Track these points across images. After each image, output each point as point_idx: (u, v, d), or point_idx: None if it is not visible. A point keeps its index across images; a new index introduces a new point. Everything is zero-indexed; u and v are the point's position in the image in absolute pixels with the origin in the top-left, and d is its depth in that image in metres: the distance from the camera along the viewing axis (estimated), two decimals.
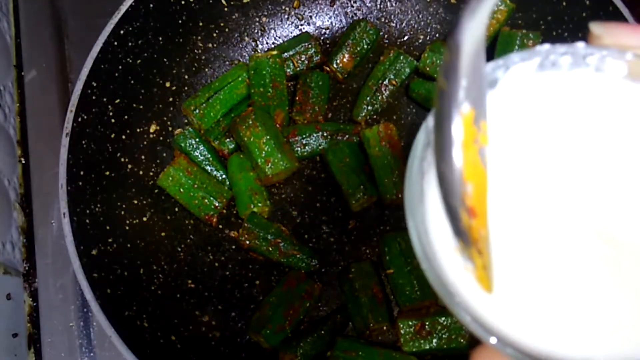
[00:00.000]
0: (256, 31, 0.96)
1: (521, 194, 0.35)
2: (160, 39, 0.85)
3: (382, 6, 0.97)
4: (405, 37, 0.97)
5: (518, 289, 0.34)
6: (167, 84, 0.89)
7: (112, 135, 0.81)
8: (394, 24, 0.97)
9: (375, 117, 0.93)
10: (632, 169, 0.35)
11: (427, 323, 0.79)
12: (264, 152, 0.85)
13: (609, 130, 0.36)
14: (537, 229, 0.35)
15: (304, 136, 0.90)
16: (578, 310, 0.34)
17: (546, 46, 0.36)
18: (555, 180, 0.35)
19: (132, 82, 0.83)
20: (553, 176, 0.35)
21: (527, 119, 0.36)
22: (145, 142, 0.86)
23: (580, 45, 0.35)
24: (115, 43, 0.79)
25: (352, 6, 0.97)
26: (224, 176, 0.89)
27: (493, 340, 0.32)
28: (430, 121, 0.35)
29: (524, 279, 0.34)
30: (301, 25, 0.97)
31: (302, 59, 0.93)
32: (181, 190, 0.85)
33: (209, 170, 0.89)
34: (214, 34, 0.92)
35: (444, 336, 0.79)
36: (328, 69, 0.95)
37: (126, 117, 0.83)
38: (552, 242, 0.35)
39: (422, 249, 0.34)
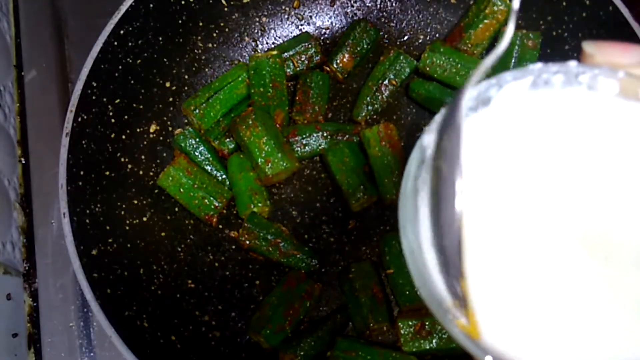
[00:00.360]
0: (256, 31, 0.96)
1: (514, 210, 0.35)
2: (160, 39, 0.85)
3: (382, 6, 0.97)
4: (405, 37, 0.97)
5: (511, 306, 0.34)
6: (167, 84, 0.89)
7: (112, 135, 0.81)
8: (394, 24, 0.97)
9: (375, 117, 0.93)
10: (624, 185, 0.36)
11: (427, 323, 0.79)
12: (264, 152, 0.85)
13: (602, 148, 0.36)
14: (530, 246, 0.35)
15: (304, 136, 0.90)
16: (571, 324, 0.34)
17: (538, 65, 0.36)
18: (548, 197, 0.36)
19: (132, 82, 0.83)
20: (546, 193, 0.36)
21: (520, 137, 0.37)
22: (145, 142, 0.86)
23: (572, 64, 0.36)
24: (115, 43, 0.79)
25: (352, 6, 0.97)
26: (224, 176, 0.89)
27: (488, 358, 0.33)
28: (425, 140, 0.36)
29: (517, 296, 0.34)
30: (301, 25, 0.97)
31: (302, 59, 0.93)
32: (181, 190, 0.85)
33: (209, 170, 0.89)
34: (214, 34, 0.92)
35: (444, 336, 0.78)
36: (328, 69, 0.94)
37: (126, 117, 0.83)
38: (545, 258, 0.35)
39: (415, 267, 0.35)
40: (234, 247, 0.88)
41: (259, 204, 0.87)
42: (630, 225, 0.35)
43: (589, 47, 0.37)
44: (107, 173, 0.80)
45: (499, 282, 0.35)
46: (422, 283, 0.34)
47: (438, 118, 0.36)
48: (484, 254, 0.35)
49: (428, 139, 0.36)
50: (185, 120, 0.91)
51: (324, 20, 0.98)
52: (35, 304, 0.90)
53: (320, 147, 0.90)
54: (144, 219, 0.84)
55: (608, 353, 0.33)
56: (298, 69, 0.94)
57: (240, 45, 0.95)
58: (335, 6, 0.97)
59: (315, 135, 0.90)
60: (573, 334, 0.34)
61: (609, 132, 0.36)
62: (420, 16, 0.96)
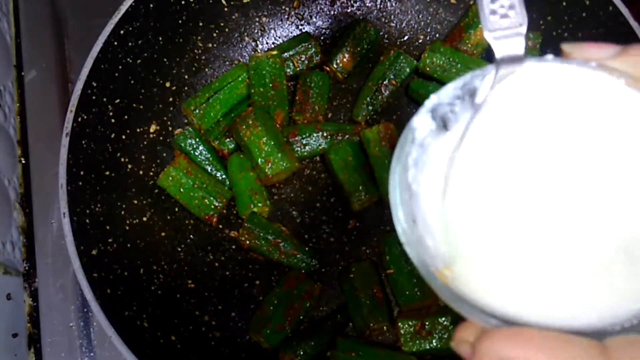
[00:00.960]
0: (256, 31, 0.95)
1: (503, 170, 0.39)
2: (160, 39, 0.85)
3: (382, 6, 0.97)
4: (405, 37, 0.97)
5: (494, 256, 0.38)
6: (167, 84, 0.89)
7: (112, 135, 0.81)
8: (394, 24, 0.97)
9: (375, 117, 0.93)
10: (600, 150, 0.38)
11: (427, 323, 0.79)
12: (264, 152, 0.85)
13: (580, 114, 0.39)
14: (515, 202, 0.38)
15: (304, 136, 0.90)
16: (545, 279, 0.37)
17: None
18: (532, 158, 0.39)
19: (132, 82, 0.83)
20: (529, 154, 0.39)
21: (508, 113, 0.40)
22: (145, 142, 0.86)
23: (549, 57, 0.39)
24: (116, 43, 0.79)
25: (352, 6, 0.97)
26: (224, 176, 0.89)
27: (493, 321, 0.35)
28: (415, 121, 0.40)
29: (501, 247, 0.38)
30: (301, 25, 0.97)
31: (302, 59, 0.93)
32: (181, 190, 0.85)
33: (209, 170, 0.89)
34: (214, 34, 0.92)
35: (444, 336, 0.78)
36: (328, 68, 0.94)
37: (126, 117, 0.83)
38: (527, 214, 0.38)
39: (406, 237, 0.39)
40: (234, 247, 0.88)
41: (259, 204, 0.86)
42: (608, 188, 0.37)
43: (566, 46, 0.41)
44: (107, 173, 0.80)
45: (487, 234, 0.38)
46: (414, 250, 0.38)
47: (427, 103, 0.40)
48: (477, 211, 0.39)
49: (418, 120, 0.40)
50: (185, 120, 0.91)
51: (324, 20, 0.97)
52: (35, 304, 0.90)
53: (320, 147, 0.90)
54: (144, 219, 0.84)
55: (574, 310, 0.36)
56: (298, 69, 0.94)
57: (240, 45, 0.95)
58: (335, 6, 0.97)
59: (315, 135, 0.90)
60: (545, 288, 0.37)
61: (585, 99, 0.39)
62: (420, 16, 0.96)
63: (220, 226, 0.89)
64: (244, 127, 0.85)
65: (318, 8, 0.97)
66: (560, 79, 0.39)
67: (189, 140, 0.88)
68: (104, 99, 0.79)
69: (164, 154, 0.89)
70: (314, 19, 0.97)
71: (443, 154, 0.40)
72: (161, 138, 0.88)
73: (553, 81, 0.40)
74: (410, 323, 0.79)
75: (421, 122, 0.40)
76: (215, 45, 0.93)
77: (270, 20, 0.96)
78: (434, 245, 0.39)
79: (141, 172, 0.85)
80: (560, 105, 0.39)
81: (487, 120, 0.40)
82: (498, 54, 0.38)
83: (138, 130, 0.85)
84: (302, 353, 0.79)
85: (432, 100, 0.40)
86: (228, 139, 0.90)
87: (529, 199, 0.38)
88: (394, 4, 0.96)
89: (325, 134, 0.90)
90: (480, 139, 0.40)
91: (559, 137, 0.39)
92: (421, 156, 0.40)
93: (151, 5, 0.82)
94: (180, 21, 0.87)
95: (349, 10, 0.97)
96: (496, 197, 0.38)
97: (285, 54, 0.92)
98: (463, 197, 0.39)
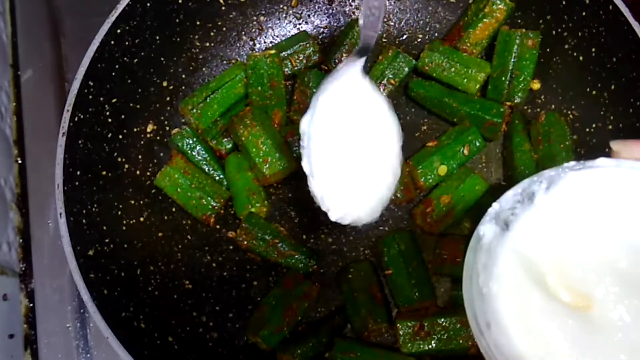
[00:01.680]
0: (254, 30, 0.95)
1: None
2: (157, 38, 0.85)
3: None
4: (404, 36, 0.97)
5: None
6: (164, 84, 0.88)
7: (109, 135, 0.81)
8: (392, 23, 0.97)
9: None
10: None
11: (426, 324, 0.78)
12: (261, 152, 0.84)
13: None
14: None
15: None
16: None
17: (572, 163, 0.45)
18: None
19: (129, 81, 0.83)
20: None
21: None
22: (142, 142, 0.86)
23: (601, 160, 0.44)
24: (112, 42, 0.79)
25: (350, 5, 0.97)
26: (221, 176, 0.89)
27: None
28: (480, 230, 0.45)
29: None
30: (299, 24, 0.97)
31: (300, 58, 0.93)
32: (178, 190, 0.85)
33: (207, 170, 0.88)
34: (212, 33, 0.92)
35: (443, 337, 0.78)
36: (326, 68, 0.94)
37: (123, 116, 0.82)
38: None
39: (483, 341, 0.42)
40: (231, 247, 0.88)
41: (257, 204, 0.86)
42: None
43: (615, 145, 0.46)
44: (104, 173, 0.79)
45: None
46: (491, 353, 0.42)
47: (490, 211, 0.45)
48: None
49: (483, 229, 0.45)
50: (183, 120, 0.91)
51: (322, 19, 0.97)
52: (31, 305, 0.89)
53: None
54: (141, 219, 0.83)
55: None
56: (296, 68, 0.93)
57: (238, 45, 0.95)
58: (333, 5, 0.96)
59: None
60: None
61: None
62: (419, 15, 0.96)
63: (218, 226, 0.88)
64: (242, 126, 0.85)
65: (316, 7, 0.96)
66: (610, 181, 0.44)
67: (186, 140, 0.88)
68: (101, 99, 0.79)
69: (161, 154, 0.88)
70: (312, 18, 0.97)
71: (509, 252, 0.44)
72: (158, 138, 0.88)
73: (605, 183, 0.44)
74: (409, 324, 0.79)
75: (486, 229, 0.45)
76: (212, 44, 0.92)
77: (268, 19, 0.95)
78: (507, 345, 0.42)
79: (138, 172, 0.85)
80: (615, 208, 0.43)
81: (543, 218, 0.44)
82: None
83: (135, 129, 0.85)
84: (300, 354, 0.79)
85: (495, 207, 0.45)
86: (226, 139, 0.90)
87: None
88: (392, 3, 0.96)
89: None
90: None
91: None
92: (489, 260, 0.44)
93: (148, 4, 0.81)
94: (177, 20, 0.87)
95: (346, 9, 0.97)
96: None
97: (283, 53, 0.92)
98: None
